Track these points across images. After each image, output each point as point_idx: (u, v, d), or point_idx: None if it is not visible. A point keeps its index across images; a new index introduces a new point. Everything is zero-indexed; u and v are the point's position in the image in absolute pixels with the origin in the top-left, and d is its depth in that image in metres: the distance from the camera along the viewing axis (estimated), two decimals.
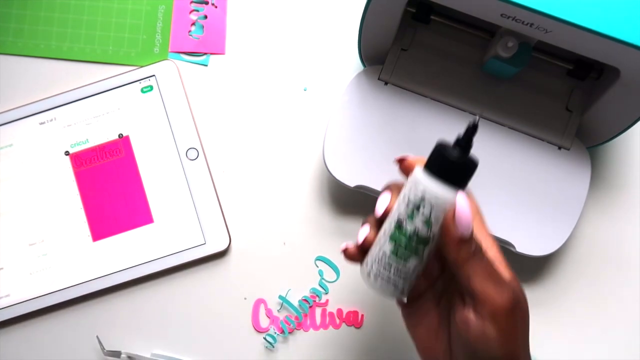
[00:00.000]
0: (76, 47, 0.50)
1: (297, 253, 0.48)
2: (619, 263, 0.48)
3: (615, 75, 0.40)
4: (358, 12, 0.42)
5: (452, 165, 0.31)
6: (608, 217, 0.49)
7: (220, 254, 0.48)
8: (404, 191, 0.32)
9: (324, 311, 0.47)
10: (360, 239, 0.34)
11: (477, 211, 0.34)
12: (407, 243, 0.32)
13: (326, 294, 0.48)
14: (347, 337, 0.47)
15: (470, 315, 0.31)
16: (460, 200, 0.31)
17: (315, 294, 0.47)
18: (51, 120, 0.48)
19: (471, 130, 0.31)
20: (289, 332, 0.47)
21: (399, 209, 0.32)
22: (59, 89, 0.49)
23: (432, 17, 0.44)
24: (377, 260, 0.33)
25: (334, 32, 0.50)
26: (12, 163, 0.48)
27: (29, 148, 0.48)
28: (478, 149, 0.45)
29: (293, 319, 0.47)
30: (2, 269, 0.47)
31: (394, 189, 0.34)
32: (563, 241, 0.44)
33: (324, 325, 0.47)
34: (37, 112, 0.48)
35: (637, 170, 0.49)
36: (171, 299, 0.47)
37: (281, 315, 0.47)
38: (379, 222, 0.34)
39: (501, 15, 0.37)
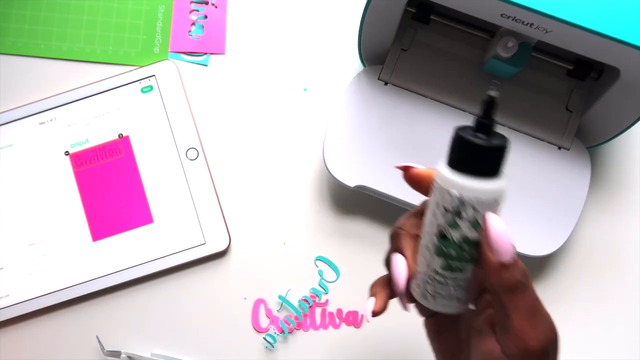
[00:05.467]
0: (76, 47, 0.50)
1: (297, 253, 0.48)
2: (618, 263, 0.48)
3: (615, 75, 0.40)
4: (358, 12, 0.42)
5: (481, 152, 0.26)
6: (608, 217, 0.49)
7: (220, 254, 0.48)
8: (434, 199, 0.28)
9: (323, 311, 0.47)
10: (369, 310, 0.31)
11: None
12: (458, 253, 0.28)
13: (326, 294, 0.48)
14: (347, 337, 0.47)
15: (498, 349, 0.28)
16: (493, 221, 0.26)
17: (315, 294, 0.47)
18: (51, 120, 0.48)
19: (490, 105, 0.26)
20: (289, 332, 0.47)
21: (434, 220, 0.28)
22: (59, 89, 0.49)
23: (432, 17, 0.44)
24: (429, 280, 0.29)
25: (334, 32, 0.50)
26: (12, 163, 0.48)
27: (29, 148, 0.48)
28: None
29: (293, 319, 0.47)
30: (2, 269, 0.47)
31: (406, 246, 0.31)
32: (563, 241, 0.44)
33: (323, 325, 0.47)
34: (37, 112, 0.48)
35: (637, 170, 0.49)
36: (171, 299, 0.47)
37: (281, 315, 0.47)
38: (389, 290, 0.31)
39: (501, 15, 0.37)
